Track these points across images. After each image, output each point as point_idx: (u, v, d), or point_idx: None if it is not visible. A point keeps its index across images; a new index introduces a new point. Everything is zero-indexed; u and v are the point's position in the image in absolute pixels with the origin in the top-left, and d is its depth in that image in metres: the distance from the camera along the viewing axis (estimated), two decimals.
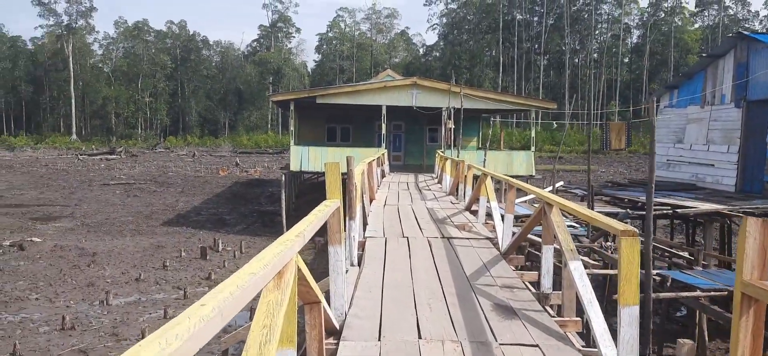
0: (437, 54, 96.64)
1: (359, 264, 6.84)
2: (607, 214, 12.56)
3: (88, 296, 13.25)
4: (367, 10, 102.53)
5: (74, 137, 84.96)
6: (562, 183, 19.33)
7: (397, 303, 5.33)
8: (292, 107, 23.16)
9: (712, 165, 16.70)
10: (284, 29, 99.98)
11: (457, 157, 17.65)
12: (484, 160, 18.16)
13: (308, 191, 29.33)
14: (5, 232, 19.83)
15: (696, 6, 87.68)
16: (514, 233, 7.72)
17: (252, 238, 20.39)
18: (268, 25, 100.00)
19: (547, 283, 5.89)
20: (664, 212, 12.64)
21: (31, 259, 16.24)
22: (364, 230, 8.85)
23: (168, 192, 32.16)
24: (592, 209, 11.63)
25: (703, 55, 22.27)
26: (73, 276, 14.73)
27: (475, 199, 11.10)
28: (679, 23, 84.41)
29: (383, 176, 19.18)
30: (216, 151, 70.79)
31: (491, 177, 10.12)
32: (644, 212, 13.51)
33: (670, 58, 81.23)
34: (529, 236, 8.49)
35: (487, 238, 8.67)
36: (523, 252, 9.00)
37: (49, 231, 20.38)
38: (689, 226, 15.75)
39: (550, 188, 15.79)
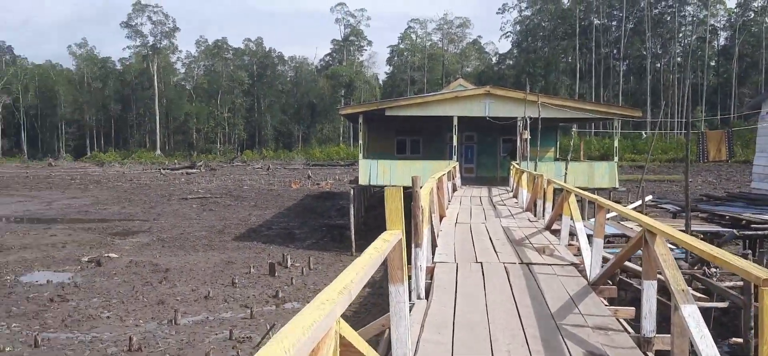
0: (510, 62, 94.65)
1: (427, 296, 6.13)
2: (708, 234, 11.27)
3: (158, 314, 13.18)
4: (438, 20, 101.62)
5: (158, 152, 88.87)
6: (650, 197, 17.86)
7: (470, 349, 4.59)
8: (360, 120, 22.76)
9: None
10: (356, 43, 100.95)
11: (535, 169, 16.61)
12: (565, 174, 17.00)
13: (378, 204, 28.82)
14: (85, 247, 20.41)
15: None
16: (604, 261, 6.78)
17: (320, 253, 20.07)
18: (340, 39, 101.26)
19: (649, 325, 4.98)
20: None
21: (107, 275, 16.49)
22: (433, 253, 8.12)
23: (241, 206, 32.56)
24: (689, 229, 10.43)
25: None
26: (145, 293, 14.77)
27: (557, 217, 10.15)
28: None
29: (454, 190, 18.38)
30: (289, 164, 71.93)
31: (575, 194, 9.16)
32: (752, 232, 12.08)
33: (762, 60, 75.83)
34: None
35: (572, 264, 7.75)
36: (614, 280, 8.00)
37: (127, 246, 20.82)
38: None
39: (638, 202, 14.51)
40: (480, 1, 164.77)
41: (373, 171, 21.52)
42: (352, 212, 21.16)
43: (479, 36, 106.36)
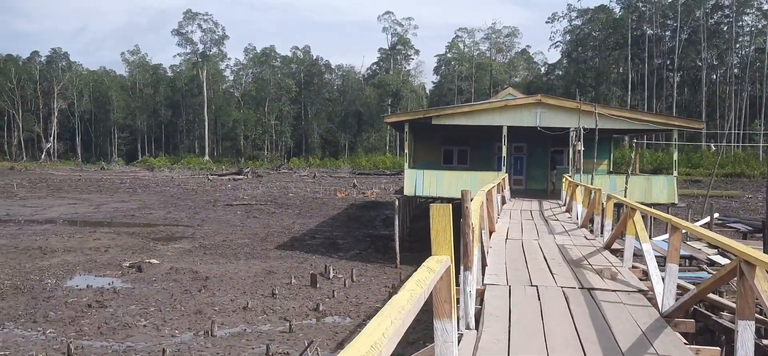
0: (560, 72, 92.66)
1: (477, 326, 5.44)
2: None
3: (195, 324, 12.84)
4: (486, 29, 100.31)
5: (207, 158, 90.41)
6: (717, 215, 16.63)
7: None
8: (406, 129, 22.18)
9: None
10: (403, 51, 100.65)
11: (591, 183, 15.66)
12: (625, 188, 15.94)
13: (423, 215, 28.12)
14: (128, 252, 20.40)
15: None
16: (679, 292, 5.95)
17: (364, 265, 19.52)
18: (387, 48, 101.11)
19: None
20: None
21: (146, 282, 16.33)
22: (483, 273, 7.42)
23: (286, 214, 32.38)
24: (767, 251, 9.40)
25: None
26: (183, 301, 14.48)
27: (618, 236, 9.29)
28: None
29: (503, 202, 17.55)
30: (335, 172, 71.90)
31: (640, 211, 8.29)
32: None
33: None
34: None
35: (640, 290, 6.92)
36: (689, 313, 7.10)
37: (168, 252, 20.72)
38: None
39: (706, 220, 13.42)
40: (529, 11, 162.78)
41: (419, 181, 20.89)
42: (396, 223, 20.56)
43: (528, 45, 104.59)
